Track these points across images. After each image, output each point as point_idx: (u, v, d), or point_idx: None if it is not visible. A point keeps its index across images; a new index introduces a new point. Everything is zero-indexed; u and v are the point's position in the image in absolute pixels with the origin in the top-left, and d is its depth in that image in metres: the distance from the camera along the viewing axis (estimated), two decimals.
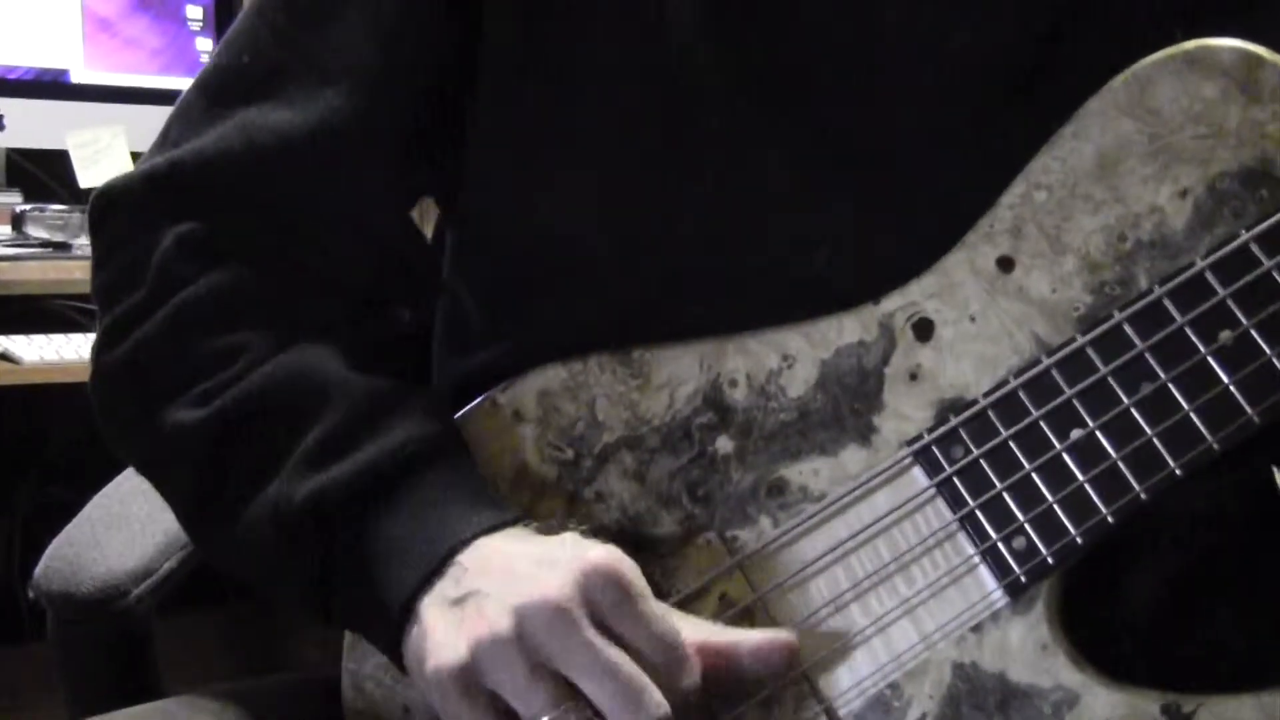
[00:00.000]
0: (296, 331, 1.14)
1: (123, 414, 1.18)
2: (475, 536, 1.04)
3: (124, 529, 1.57)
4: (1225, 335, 1.03)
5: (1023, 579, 1.05)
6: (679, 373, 1.11)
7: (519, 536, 1.05)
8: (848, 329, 1.09)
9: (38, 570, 1.55)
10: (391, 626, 1.05)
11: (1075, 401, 1.05)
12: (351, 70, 1.17)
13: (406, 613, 1.04)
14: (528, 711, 0.98)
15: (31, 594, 1.56)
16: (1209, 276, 1.03)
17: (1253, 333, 1.02)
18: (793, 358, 1.10)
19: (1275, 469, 1.10)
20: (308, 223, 1.18)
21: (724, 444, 1.10)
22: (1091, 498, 1.04)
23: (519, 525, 1.06)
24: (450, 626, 1.01)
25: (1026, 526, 1.05)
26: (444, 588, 1.02)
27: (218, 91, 1.20)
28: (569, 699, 0.98)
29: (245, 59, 1.20)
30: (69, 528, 1.60)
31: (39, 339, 2.77)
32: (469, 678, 0.99)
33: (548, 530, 1.06)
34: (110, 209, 1.20)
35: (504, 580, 1.00)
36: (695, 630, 1.03)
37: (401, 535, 1.06)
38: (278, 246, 1.17)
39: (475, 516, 1.05)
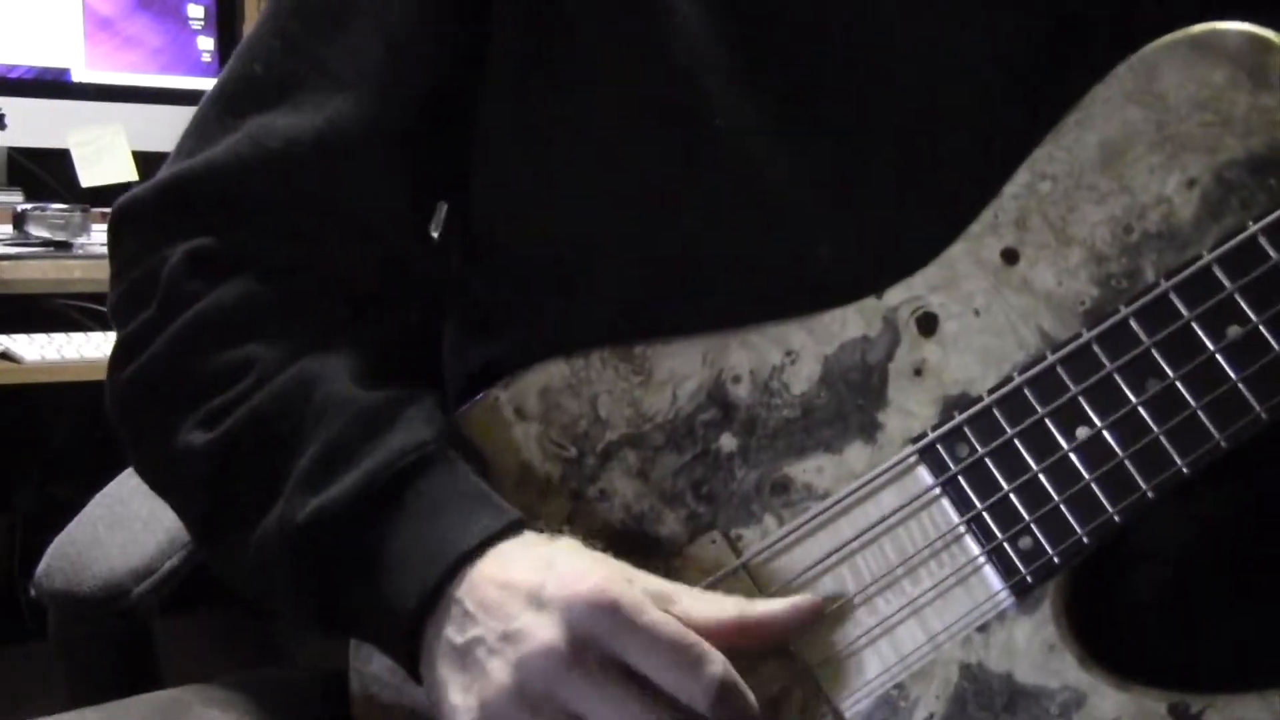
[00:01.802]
0: (303, 342, 1.14)
1: (136, 434, 1.19)
2: (472, 553, 1.04)
3: (125, 528, 1.58)
4: (1234, 331, 1.01)
5: (1029, 579, 1.04)
6: (681, 369, 1.11)
7: (513, 552, 1.05)
8: (851, 323, 1.08)
9: (39, 569, 1.56)
10: (399, 639, 1.07)
11: (1081, 399, 1.04)
12: (361, 76, 1.17)
13: (412, 629, 1.05)
14: None
15: (33, 592, 1.56)
16: (1217, 270, 1.02)
17: (1261, 328, 1.01)
18: (796, 353, 1.09)
19: None
20: (316, 226, 1.18)
21: (727, 441, 1.10)
22: (1098, 497, 1.03)
23: (515, 530, 1.06)
24: (461, 689, 1.02)
25: (1033, 526, 1.04)
26: (449, 632, 1.04)
27: (230, 102, 1.21)
28: None
29: (257, 68, 1.20)
30: (70, 526, 1.60)
31: (40, 338, 2.77)
32: None
33: (544, 542, 1.05)
34: (125, 225, 1.21)
35: (501, 627, 1.01)
36: (712, 608, 1.03)
37: (401, 549, 1.06)
38: (286, 254, 1.17)
39: (473, 524, 1.05)
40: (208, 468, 1.12)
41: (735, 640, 1.02)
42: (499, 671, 1.00)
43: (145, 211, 1.20)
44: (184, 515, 1.20)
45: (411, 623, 1.05)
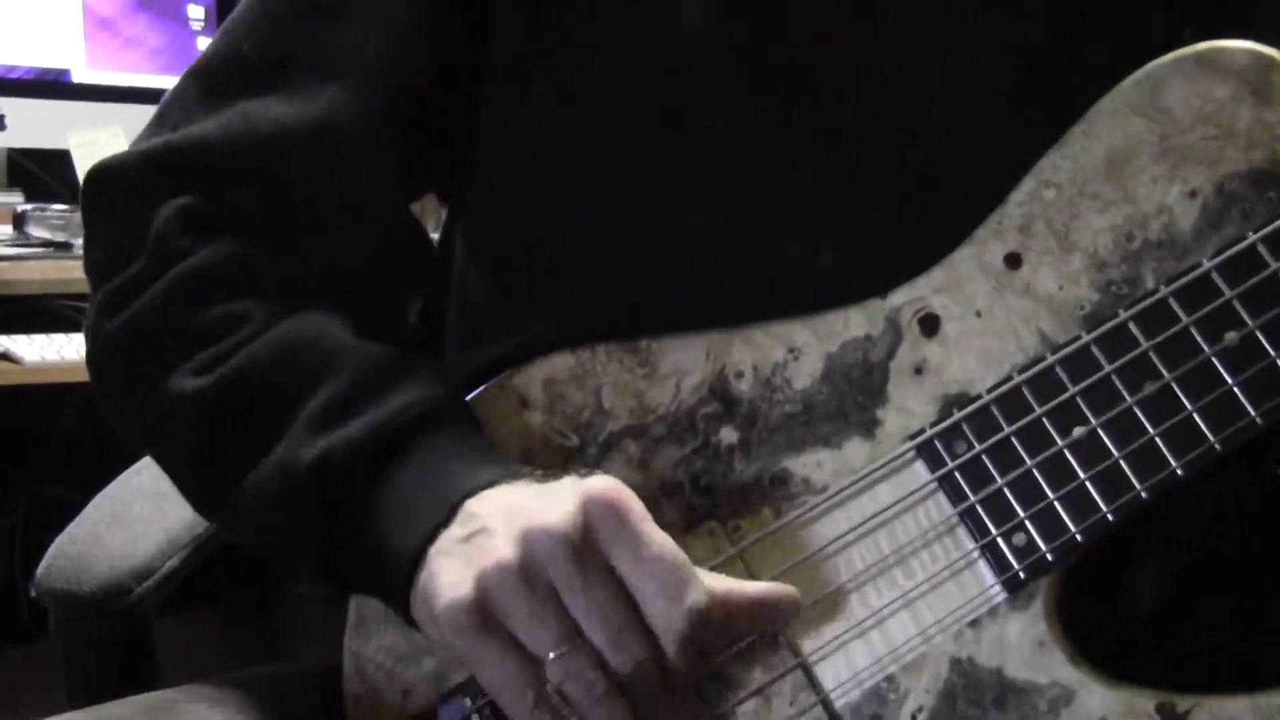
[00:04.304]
0: (299, 302, 1.14)
1: (122, 384, 1.18)
2: (482, 489, 1.04)
3: (126, 528, 1.57)
4: (1230, 336, 1.03)
5: (1021, 575, 1.05)
6: (685, 363, 1.12)
7: (525, 486, 1.04)
8: (854, 322, 1.10)
9: (40, 569, 1.56)
10: (400, 578, 1.05)
11: (1078, 399, 1.05)
12: (357, 67, 1.17)
13: (415, 563, 1.04)
14: (536, 647, 0.98)
15: (34, 593, 1.56)
16: (1215, 277, 1.03)
17: (1258, 334, 1.03)
18: (799, 350, 1.10)
19: (1278, 469, 1.10)
20: (308, 212, 1.18)
21: (728, 434, 1.11)
22: (1092, 495, 1.04)
23: (523, 479, 1.05)
24: (459, 564, 1.00)
25: (1027, 523, 1.05)
26: (452, 532, 1.02)
27: (216, 80, 1.20)
28: (577, 636, 0.97)
29: (245, 48, 1.20)
30: (71, 526, 1.60)
31: (40, 339, 2.78)
32: (481, 611, 0.99)
33: (552, 478, 1.05)
34: (105, 187, 1.20)
35: (509, 516, 1.00)
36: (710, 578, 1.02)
37: (408, 493, 1.06)
38: (277, 227, 1.17)
39: (481, 472, 1.05)
40: (203, 411, 1.11)
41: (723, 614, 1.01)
42: (502, 545, 0.98)
43: (128, 174, 1.19)
44: (176, 464, 1.18)
45: (413, 564, 1.04)
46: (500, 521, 1.00)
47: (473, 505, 1.03)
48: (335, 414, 1.08)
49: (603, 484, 0.98)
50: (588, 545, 0.97)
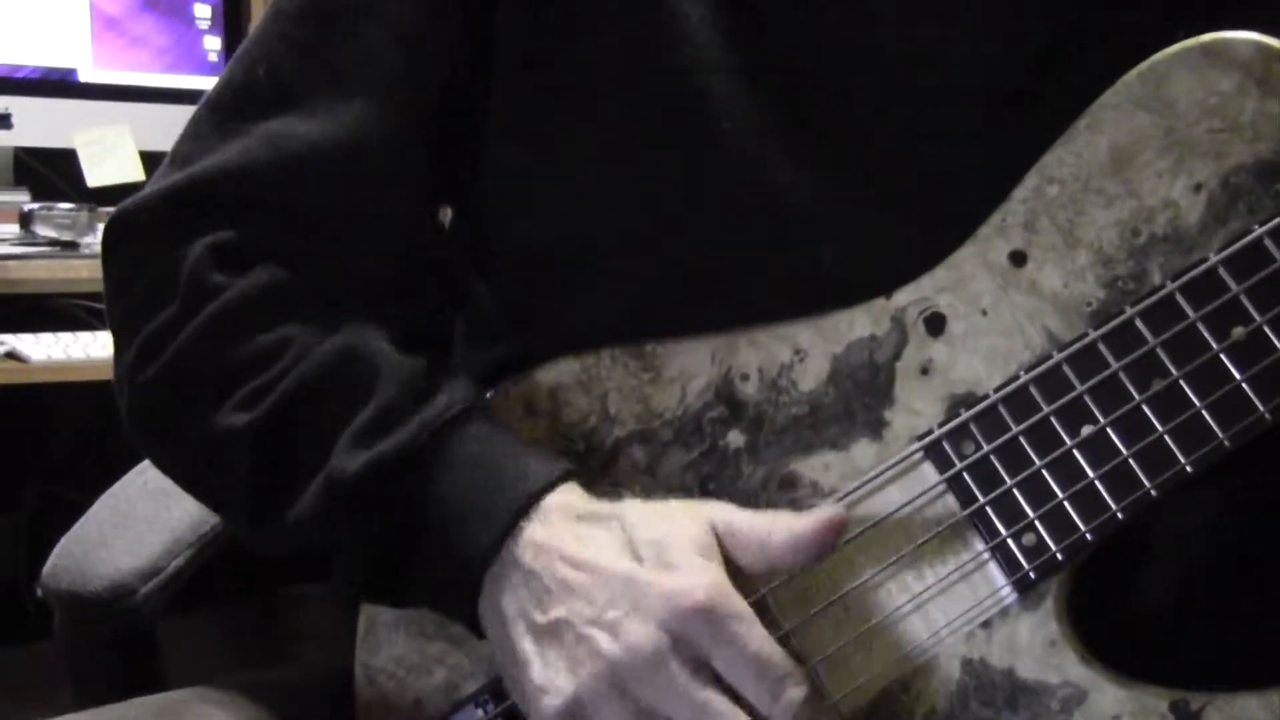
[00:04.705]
0: (336, 319, 1.14)
1: (168, 430, 1.18)
2: (530, 503, 1.06)
3: (131, 528, 1.58)
4: (1238, 331, 1.02)
5: (1032, 575, 1.05)
6: (691, 366, 1.11)
7: (575, 509, 1.06)
8: (859, 323, 1.09)
9: (45, 569, 1.56)
10: (463, 590, 1.08)
11: (1086, 397, 1.04)
12: (376, 81, 1.17)
13: (477, 584, 1.07)
14: None
15: (39, 593, 1.56)
16: (1222, 272, 1.03)
17: (1266, 329, 1.02)
18: (804, 351, 1.10)
19: None
20: (338, 229, 1.18)
21: (735, 438, 1.10)
22: (1102, 494, 1.04)
23: (570, 480, 1.08)
24: (548, 669, 1.04)
25: (1036, 523, 1.05)
26: (526, 604, 1.05)
27: (232, 108, 1.19)
28: None
29: (261, 73, 1.19)
30: (76, 527, 1.60)
31: (46, 338, 2.77)
32: (577, 712, 1.03)
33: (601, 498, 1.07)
34: (127, 232, 1.20)
35: (592, 612, 1.03)
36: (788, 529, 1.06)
37: (457, 495, 1.07)
38: (308, 249, 1.17)
39: (529, 470, 1.07)
40: (253, 447, 1.11)
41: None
42: (593, 660, 1.02)
43: (154, 216, 1.18)
44: (228, 499, 1.18)
45: (476, 570, 1.06)
46: (582, 616, 1.03)
47: (529, 557, 1.05)
48: (382, 426, 1.08)
49: (695, 593, 1.01)
50: (679, 656, 1.01)
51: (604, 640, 1.01)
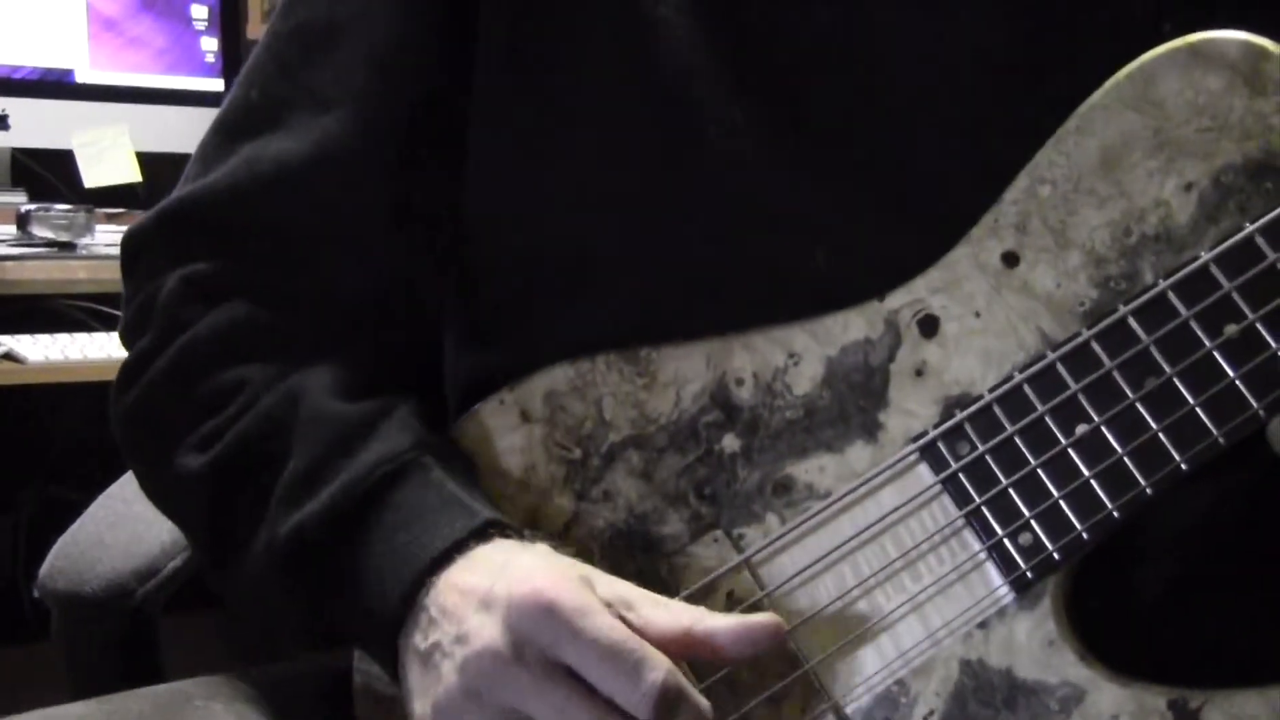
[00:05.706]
0: (293, 360, 1.15)
1: (140, 459, 1.21)
2: (440, 561, 1.05)
3: (128, 528, 1.58)
4: (1231, 329, 1.02)
5: (1029, 575, 1.05)
6: (685, 371, 1.11)
7: (479, 555, 1.05)
8: (853, 326, 1.09)
9: (43, 569, 1.56)
10: (383, 651, 1.09)
11: (1081, 396, 1.05)
12: (348, 96, 1.18)
13: (392, 644, 1.07)
14: None
15: (37, 593, 1.56)
16: (1214, 270, 1.03)
17: (1258, 326, 1.02)
18: (799, 355, 1.10)
19: None
20: (309, 247, 1.19)
21: (730, 442, 1.10)
22: (1098, 493, 1.04)
23: (483, 534, 1.06)
24: (420, 695, 1.04)
25: (1032, 522, 1.05)
26: (416, 639, 1.05)
27: (229, 129, 1.22)
28: None
29: (254, 95, 1.22)
30: (74, 527, 1.61)
31: (44, 339, 2.77)
32: None
33: (514, 534, 1.07)
34: (135, 253, 1.23)
35: (455, 630, 1.02)
36: (671, 619, 1.02)
37: (376, 562, 1.08)
38: (280, 277, 1.18)
39: (442, 529, 1.06)
40: (205, 491, 1.13)
41: (685, 652, 1.01)
42: (448, 674, 1.01)
43: (149, 239, 1.22)
44: (191, 539, 1.22)
45: (390, 632, 1.06)
46: (449, 637, 1.02)
47: (430, 599, 1.05)
48: (306, 487, 1.09)
49: (528, 590, 0.99)
50: (526, 656, 0.99)
51: (458, 653, 1.01)
